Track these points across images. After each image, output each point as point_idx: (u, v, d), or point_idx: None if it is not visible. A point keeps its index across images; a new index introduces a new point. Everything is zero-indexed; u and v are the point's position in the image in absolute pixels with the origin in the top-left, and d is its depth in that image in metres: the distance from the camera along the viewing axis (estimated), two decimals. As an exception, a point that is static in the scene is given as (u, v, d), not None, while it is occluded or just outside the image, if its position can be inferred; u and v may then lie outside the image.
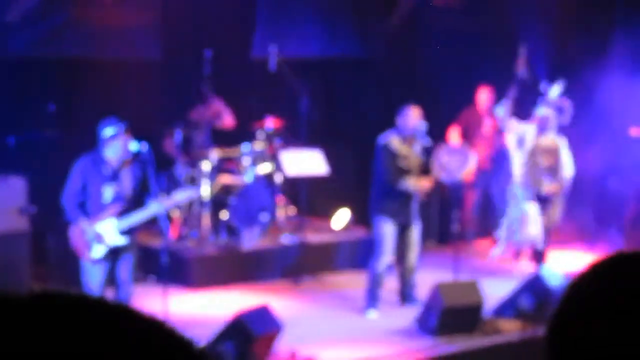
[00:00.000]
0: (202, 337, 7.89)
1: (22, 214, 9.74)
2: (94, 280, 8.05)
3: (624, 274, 1.37)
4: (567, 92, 10.85)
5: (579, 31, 12.75)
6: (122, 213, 8.05)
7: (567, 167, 10.47)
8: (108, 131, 7.94)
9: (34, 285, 9.96)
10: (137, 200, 8.16)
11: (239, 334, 7.49)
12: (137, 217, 8.15)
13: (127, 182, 8.06)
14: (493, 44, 12.81)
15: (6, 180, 9.69)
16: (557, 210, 10.66)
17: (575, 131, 11.12)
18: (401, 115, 9.31)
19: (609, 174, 12.53)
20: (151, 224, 10.66)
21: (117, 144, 7.93)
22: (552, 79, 10.80)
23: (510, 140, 10.43)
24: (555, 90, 10.32)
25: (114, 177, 8.01)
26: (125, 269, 8.20)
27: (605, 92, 11.66)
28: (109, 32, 11.40)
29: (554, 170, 10.39)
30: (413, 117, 9.25)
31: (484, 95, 12.27)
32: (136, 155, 8.15)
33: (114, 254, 8.13)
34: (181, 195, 8.53)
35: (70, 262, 8.47)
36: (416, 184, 9.24)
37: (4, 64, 11.00)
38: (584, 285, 1.40)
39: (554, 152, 10.45)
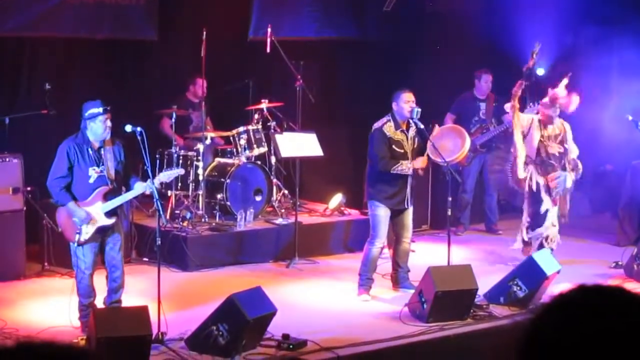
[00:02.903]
0: (195, 318, 7.92)
1: (17, 193, 9.76)
2: (84, 261, 8.04)
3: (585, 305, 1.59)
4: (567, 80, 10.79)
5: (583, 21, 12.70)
6: (108, 194, 8.05)
7: (574, 152, 10.23)
8: (89, 112, 7.95)
9: (28, 264, 9.99)
10: (122, 181, 8.17)
11: (233, 315, 7.50)
12: (123, 197, 8.15)
13: (110, 163, 8.05)
14: (490, 28, 12.77)
15: (1, 159, 9.70)
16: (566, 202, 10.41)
17: (571, 117, 11.09)
18: (395, 100, 9.29)
19: (605, 160, 12.50)
20: (146, 204, 10.71)
21: (97, 125, 7.92)
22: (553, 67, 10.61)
23: (517, 137, 10.15)
24: (562, 85, 10.11)
25: (99, 159, 8.01)
26: (114, 249, 8.19)
27: (603, 78, 11.63)
28: (105, 12, 11.37)
29: (562, 158, 10.17)
30: (407, 101, 9.22)
31: (483, 79, 12.23)
32: (118, 137, 8.14)
33: (103, 234, 8.12)
34: (166, 175, 8.47)
35: (64, 240, 8.47)
36: (410, 165, 9.20)
37: (0, 43, 10.99)
38: (550, 316, 1.63)
39: (561, 138, 10.19)
